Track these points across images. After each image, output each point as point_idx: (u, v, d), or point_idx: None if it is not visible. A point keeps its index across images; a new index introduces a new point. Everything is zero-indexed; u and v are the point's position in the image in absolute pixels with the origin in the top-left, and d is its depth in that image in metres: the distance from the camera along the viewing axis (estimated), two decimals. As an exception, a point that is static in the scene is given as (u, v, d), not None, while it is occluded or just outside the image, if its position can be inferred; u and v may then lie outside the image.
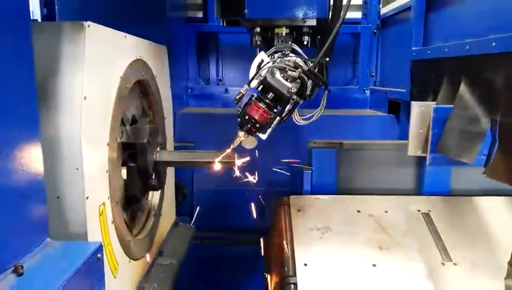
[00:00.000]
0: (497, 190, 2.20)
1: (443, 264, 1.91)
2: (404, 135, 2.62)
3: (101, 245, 1.20)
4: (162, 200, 2.19)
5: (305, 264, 1.88)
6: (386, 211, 2.20)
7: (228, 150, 1.80)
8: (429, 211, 2.20)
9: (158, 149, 1.92)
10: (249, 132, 1.76)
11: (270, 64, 1.82)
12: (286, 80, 1.75)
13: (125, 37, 1.67)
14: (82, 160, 1.27)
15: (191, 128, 3.05)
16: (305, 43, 2.14)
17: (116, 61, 1.59)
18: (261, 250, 2.58)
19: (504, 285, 1.49)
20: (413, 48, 2.40)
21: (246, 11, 2.06)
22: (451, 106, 1.82)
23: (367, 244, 1.99)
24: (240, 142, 1.78)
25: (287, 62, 1.81)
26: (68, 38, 1.30)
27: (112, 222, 1.52)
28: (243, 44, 2.71)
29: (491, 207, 2.19)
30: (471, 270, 1.88)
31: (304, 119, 2.01)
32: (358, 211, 2.20)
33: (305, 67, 1.81)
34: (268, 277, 2.38)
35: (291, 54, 1.96)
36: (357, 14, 3.58)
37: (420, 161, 2.35)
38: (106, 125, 1.48)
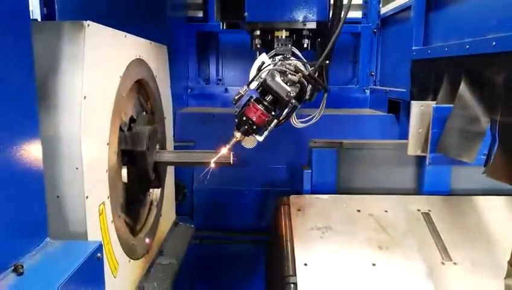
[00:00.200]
0: (497, 189, 2.20)
1: (443, 263, 1.91)
2: (404, 135, 2.62)
3: (101, 245, 1.19)
4: (162, 199, 2.19)
5: (305, 264, 1.88)
6: (386, 211, 2.19)
7: (224, 150, 1.80)
8: (429, 210, 2.20)
9: (158, 149, 1.92)
10: (246, 133, 1.76)
11: (271, 66, 1.82)
12: (286, 83, 1.75)
13: (125, 36, 1.67)
14: (82, 159, 1.27)
15: (191, 128, 3.05)
16: (305, 46, 2.14)
17: (116, 60, 1.59)
18: (261, 249, 2.59)
19: (504, 284, 1.49)
20: (413, 48, 2.40)
21: (246, 14, 2.06)
22: (451, 105, 1.82)
23: (367, 243, 1.99)
24: (240, 141, 1.78)
25: (287, 66, 1.82)
26: (68, 37, 1.30)
27: (112, 222, 1.52)
28: (243, 44, 2.71)
29: (491, 207, 2.19)
30: (471, 269, 1.88)
31: (302, 122, 2.02)
32: (358, 211, 2.20)
33: (306, 72, 1.81)
34: (268, 276, 2.38)
35: (292, 58, 1.97)
36: (357, 14, 3.58)
37: (420, 161, 2.35)
38: (106, 125, 1.48)
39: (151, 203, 2.12)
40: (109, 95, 1.52)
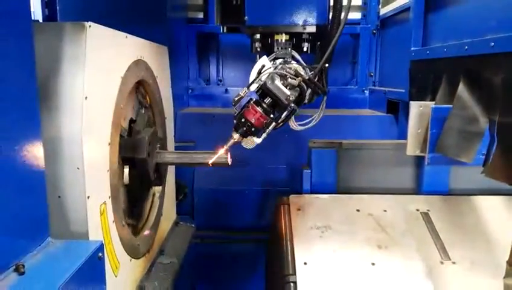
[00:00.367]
0: (495, 189, 2.20)
1: (442, 263, 1.92)
2: (403, 135, 2.62)
3: (102, 244, 1.20)
4: (163, 199, 2.20)
5: (305, 263, 1.88)
6: (385, 211, 2.20)
7: (222, 151, 1.81)
8: (428, 210, 2.20)
9: (158, 150, 1.93)
10: (244, 135, 1.77)
11: (271, 69, 1.83)
12: (285, 87, 1.76)
13: (126, 37, 1.68)
14: (83, 159, 1.28)
15: (192, 128, 3.06)
16: (305, 49, 2.15)
17: (117, 61, 1.60)
18: (261, 249, 2.59)
19: (503, 284, 1.50)
20: (412, 48, 2.41)
21: (246, 18, 2.07)
22: (450, 106, 1.82)
23: (366, 243, 2.00)
24: (238, 142, 1.80)
25: (288, 69, 1.83)
26: (69, 38, 1.30)
27: (113, 221, 1.52)
28: (243, 45, 2.72)
29: (489, 206, 2.20)
30: (470, 269, 1.89)
31: (300, 124, 2.02)
32: (358, 211, 2.21)
33: (306, 76, 1.82)
34: (268, 275, 2.39)
35: (293, 62, 1.98)
36: (356, 15, 3.59)
37: (419, 161, 2.35)
38: (107, 125, 1.49)
39: (152, 202, 2.13)
40: (110, 96, 1.52)
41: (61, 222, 1.29)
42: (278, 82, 1.76)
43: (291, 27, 2.10)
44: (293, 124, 2.01)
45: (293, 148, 2.96)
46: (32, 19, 1.29)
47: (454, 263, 1.92)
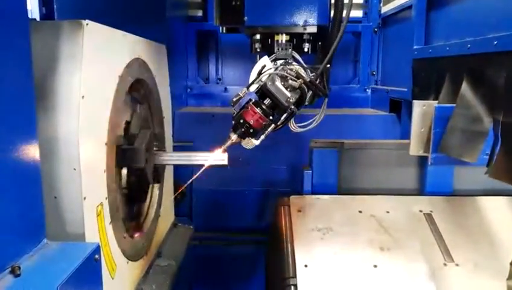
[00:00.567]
0: (500, 189, 2.19)
1: (445, 265, 1.90)
2: (405, 134, 2.61)
3: (99, 246, 1.18)
4: (161, 200, 2.18)
5: (306, 266, 1.87)
6: (388, 212, 2.18)
7: (220, 152, 1.79)
8: (431, 211, 2.18)
9: (155, 150, 1.92)
10: (242, 136, 1.75)
11: (272, 70, 1.81)
12: (286, 88, 1.74)
13: (124, 36, 1.66)
14: (79, 160, 1.26)
15: (190, 128, 3.04)
16: (306, 50, 2.13)
17: (115, 60, 1.58)
18: (260, 250, 2.57)
19: (506, 286, 1.48)
20: (415, 47, 2.39)
21: (246, 18, 2.05)
22: (453, 105, 1.81)
23: (368, 245, 1.98)
24: (236, 144, 1.77)
25: (289, 71, 1.81)
26: (66, 37, 1.29)
27: (110, 223, 1.50)
28: (243, 43, 2.70)
29: (493, 207, 2.18)
30: (474, 271, 1.87)
31: (300, 126, 2.00)
32: (360, 212, 2.19)
33: (307, 78, 1.80)
34: (268, 277, 2.37)
35: (294, 63, 1.96)
36: (358, 13, 3.57)
37: (422, 161, 2.33)
38: (104, 125, 1.47)
39: (150, 203, 2.10)
40: (108, 95, 1.51)
41: (58, 223, 1.28)
42: (279, 83, 1.74)
43: (292, 27, 2.08)
44: (293, 126, 1.99)
45: (293, 148, 2.94)
46: (29, 17, 1.26)
47: (457, 265, 1.90)
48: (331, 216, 2.16)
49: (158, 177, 1.97)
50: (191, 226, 2.67)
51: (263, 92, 1.75)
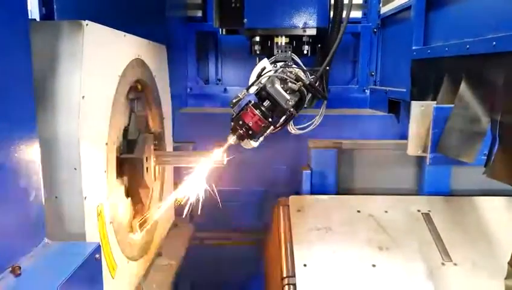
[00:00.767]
0: (497, 190, 2.19)
1: (443, 264, 1.91)
2: (404, 135, 2.61)
3: (99, 246, 1.19)
4: (161, 200, 2.18)
5: (305, 265, 1.87)
6: (386, 211, 2.19)
7: (218, 152, 1.79)
8: (429, 211, 2.19)
9: (155, 151, 1.92)
10: (241, 138, 1.75)
11: (272, 73, 1.81)
12: (285, 91, 1.74)
13: (124, 36, 1.66)
14: (80, 160, 1.27)
15: (190, 128, 3.04)
16: (305, 52, 2.13)
17: (115, 60, 1.59)
18: (260, 250, 2.57)
19: (504, 285, 1.49)
20: (414, 47, 2.39)
21: (245, 20, 2.05)
22: (452, 105, 1.81)
23: (367, 244, 1.99)
24: (239, 142, 1.78)
25: (288, 73, 1.81)
26: (66, 37, 1.29)
27: (110, 222, 1.51)
28: (243, 44, 2.70)
29: (491, 207, 2.19)
30: (471, 270, 1.88)
31: (299, 128, 2.01)
32: (358, 211, 2.20)
33: (306, 81, 1.80)
34: (268, 277, 2.38)
35: (294, 66, 1.96)
36: (357, 14, 3.57)
37: (420, 161, 2.34)
38: (104, 125, 1.47)
39: (150, 203, 2.11)
40: (108, 95, 1.51)
41: (58, 223, 1.28)
42: (278, 86, 1.74)
43: (291, 30, 2.08)
44: (292, 128, 1.99)
45: (293, 149, 2.94)
46: (29, 17, 1.27)
47: (455, 264, 1.91)
48: (330, 216, 2.17)
49: (159, 174, 1.98)
50: (191, 226, 2.67)
51: (263, 94, 1.75)
